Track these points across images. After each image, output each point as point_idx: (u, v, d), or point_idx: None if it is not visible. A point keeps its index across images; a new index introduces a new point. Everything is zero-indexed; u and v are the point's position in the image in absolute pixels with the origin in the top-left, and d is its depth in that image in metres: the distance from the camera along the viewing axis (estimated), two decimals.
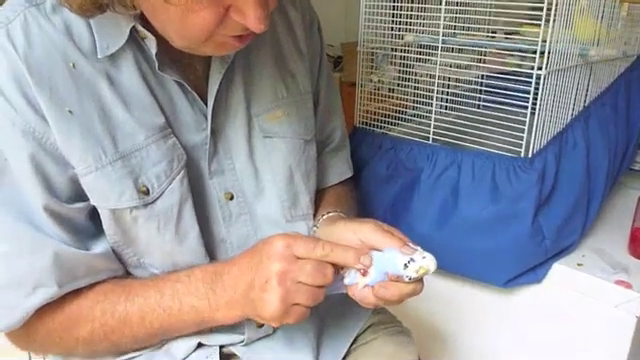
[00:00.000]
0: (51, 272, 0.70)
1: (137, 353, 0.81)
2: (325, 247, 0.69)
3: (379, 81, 1.31)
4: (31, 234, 0.69)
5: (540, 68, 1.00)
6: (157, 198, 0.74)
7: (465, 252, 1.11)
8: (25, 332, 0.74)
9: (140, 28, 0.70)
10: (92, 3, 0.61)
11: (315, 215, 0.93)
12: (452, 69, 1.18)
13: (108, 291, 0.75)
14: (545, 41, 0.99)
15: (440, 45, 1.14)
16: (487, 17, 1.32)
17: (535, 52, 1.00)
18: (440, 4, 1.12)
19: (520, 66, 1.10)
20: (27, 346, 0.79)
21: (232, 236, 0.84)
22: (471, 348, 1.33)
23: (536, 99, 1.03)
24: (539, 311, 1.19)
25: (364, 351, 0.96)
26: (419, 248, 0.72)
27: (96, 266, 0.75)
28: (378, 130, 1.30)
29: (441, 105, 1.21)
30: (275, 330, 0.88)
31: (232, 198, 0.83)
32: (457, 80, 1.31)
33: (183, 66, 0.78)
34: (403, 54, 1.23)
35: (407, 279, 0.70)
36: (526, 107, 1.05)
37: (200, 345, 0.83)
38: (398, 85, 1.28)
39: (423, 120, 1.24)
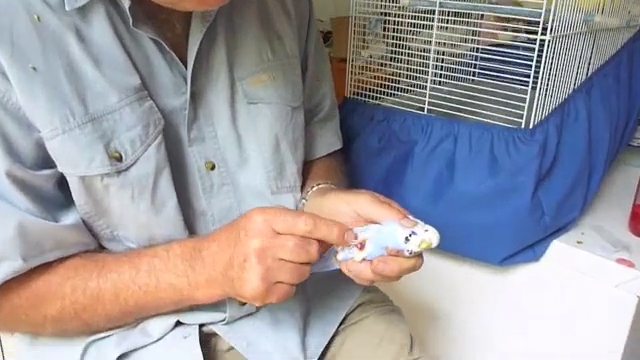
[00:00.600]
0: (15, 244, 0.65)
1: (109, 332, 0.78)
2: (308, 222, 0.64)
3: (370, 56, 1.27)
4: None
5: (544, 33, 0.96)
6: (131, 165, 0.70)
7: (460, 228, 1.07)
8: None
9: None
10: None
11: (303, 188, 0.90)
12: (449, 34, 1.13)
13: (79, 266, 0.71)
14: (550, 7, 0.95)
15: (437, 9, 1.09)
16: None
17: (539, 18, 0.96)
18: None
19: (522, 32, 1.06)
20: None
21: (213, 208, 0.80)
22: (465, 328, 1.31)
23: (538, 67, 0.99)
24: (536, 291, 1.16)
25: (354, 330, 0.93)
26: (420, 221, 0.69)
27: (65, 239, 0.71)
28: (370, 101, 1.26)
29: (436, 74, 1.17)
30: (259, 309, 0.84)
31: (213, 168, 0.79)
32: (453, 46, 1.26)
33: (160, 22, 0.73)
34: (398, 19, 1.18)
35: (408, 253, 0.67)
36: (528, 75, 1.01)
37: (178, 324, 0.79)
38: (392, 52, 1.23)
39: (418, 90, 1.21)
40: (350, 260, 0.69)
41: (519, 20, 1.23)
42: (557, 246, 1.11)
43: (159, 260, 0.70)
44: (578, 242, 1.10)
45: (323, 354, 0.88)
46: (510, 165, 1.02)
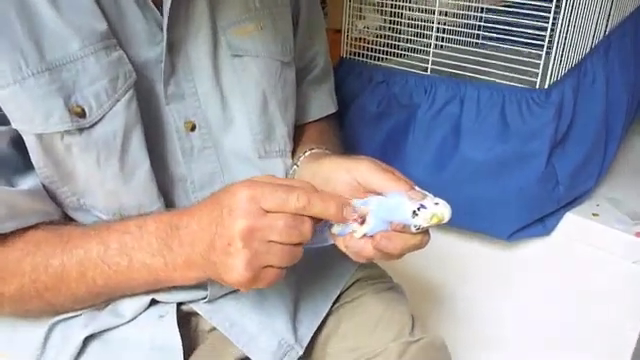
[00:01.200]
0: None
1: (76, 312, 0.71)
2: (301, 198, 0.57)
3: (365, 27, 1.22)
4: None
5: None
6: (96, 122, 0.63)
7: (466, 200, 1.03)
8: None
9: None
10: None
11: (294, 153, 0.85)
12: None
13: (41, 241, 0.65)
14: None
15: None
16: None
17: None
18: None
19: None
20: None
21: (194, 174, 0.74)
22: (470, 308, 1.28)
23: (555, 20, 0.93)
24: (548, 268, 1.14)
25: (349, 310, 0.88)
26: (429, 193, 0.63)
27: (22, 206, 0.64)
28: (369, 61, 1.20)
29: (439, 37, 1.12)
30: None
31: (194, 128, 0.73)
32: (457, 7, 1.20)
33: None
34: None
35: (415, 229, 0.61)
36: (544, 29, 0.94)
37: (154, 302, 0.73)
38: (392, 15, 1.17)
39: (421, 48, 1.15)
40: (348, 235, 0.63)
41: None
42: (571, 219, 1.09)
43: (131, 237, 0.64)
44: (594, 214, 1.08)
45: (315, 335, 0.82)
46: (523, 130, 0.98)
